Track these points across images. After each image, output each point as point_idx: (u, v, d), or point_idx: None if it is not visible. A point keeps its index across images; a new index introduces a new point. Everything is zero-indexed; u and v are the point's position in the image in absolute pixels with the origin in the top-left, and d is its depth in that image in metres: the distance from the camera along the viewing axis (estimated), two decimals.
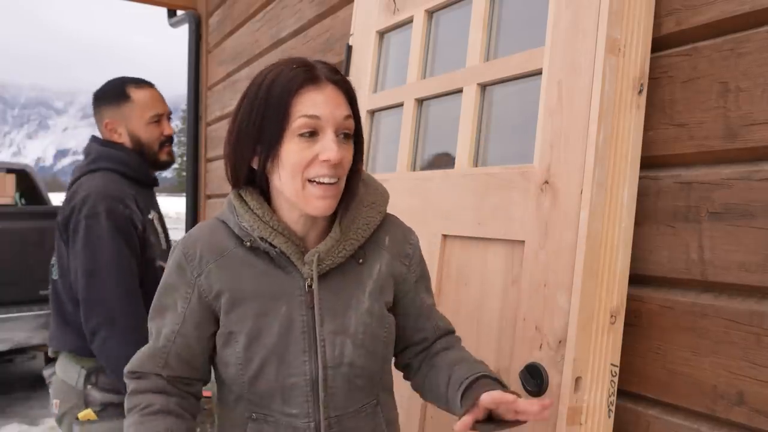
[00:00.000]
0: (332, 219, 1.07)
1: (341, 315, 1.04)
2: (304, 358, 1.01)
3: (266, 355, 1.00)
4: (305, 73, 0.97)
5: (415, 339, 1.16)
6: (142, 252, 1.72)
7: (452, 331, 1.19)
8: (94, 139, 1.83)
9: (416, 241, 1.17)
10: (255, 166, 1.01)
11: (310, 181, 0.98)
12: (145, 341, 1.41)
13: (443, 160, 1.59)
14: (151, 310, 1.08)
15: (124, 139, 1.80)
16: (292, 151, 0.97)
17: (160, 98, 1.86)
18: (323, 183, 0.98)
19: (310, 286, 1.02)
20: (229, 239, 1.04)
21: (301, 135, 0.97)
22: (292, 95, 0.96)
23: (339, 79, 1.00)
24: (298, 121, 0.96)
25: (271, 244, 1.01)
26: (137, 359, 1.08)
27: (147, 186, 1.85)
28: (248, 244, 1.02)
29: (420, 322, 1.15)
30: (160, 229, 1.82)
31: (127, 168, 1.78)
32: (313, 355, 1.01)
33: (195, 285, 1.03)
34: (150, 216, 1.79)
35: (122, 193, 1.70)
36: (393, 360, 1.20)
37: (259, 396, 1.02)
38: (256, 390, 1.02)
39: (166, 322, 1.05)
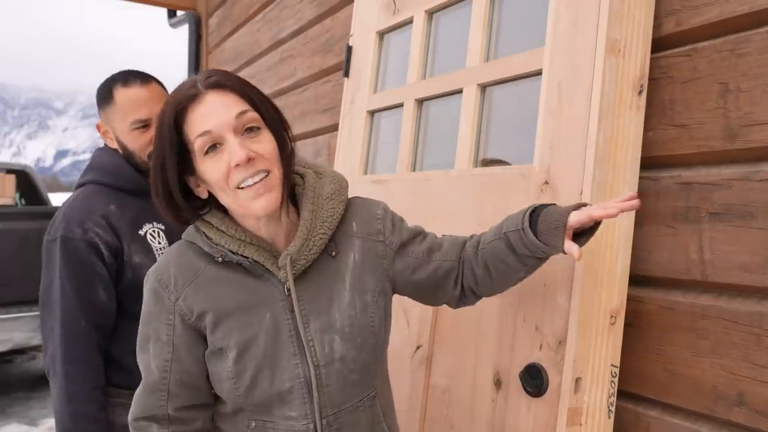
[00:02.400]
0: (296, 218, 1.07)
1: (325, 312, 1.04)
2: (296, 361, 1.01)
3: (258, 364, 1.01)
4: (185, 92, 0.98)
5: (448, 274, 1.12)
6: (121, 277, 1.54)
7: (463, 239, 1.15)
8: (100, 147, 1.67)
9: (383, 211, 1.14)
10: (204, 195, 1.04)
11: (238, 188, 0.98)
12: (81, 395, 1.44)
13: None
14: (137, 344, 1.07)
15: (116, 145, 1.61)
16: (207, 171, 0.99)
17: (150, 99, 1.56)
18: (250, 185, 0.97)
19: (289, 290, 1.03)
20: (200, 259, 1.04)
21: (206, 153, 0.98)
22: (179, 122, 0.98)
23: (215, 81, 0.99)
24: (196, 143, 0.98)
25: (243, 256, 1.02)
26: (138, 403, 1.06)
27: (147, 196, 1.70)
28: (220, 259, 1.03)
29: (440, 262, 1.12)
30: (159, 245, 1.60)
31: (115, 178, 1.59)
32: (303, 356, 1.02)
33: (175, 310, 1.03)
34: (142, 231, 1.57)
35: (88, 212, 1.52)
36: (446, 305, 1.19)
37: (256, 405, 1.03)
38: (252, 400, 1.02)
39: (154, 354, 1.04)
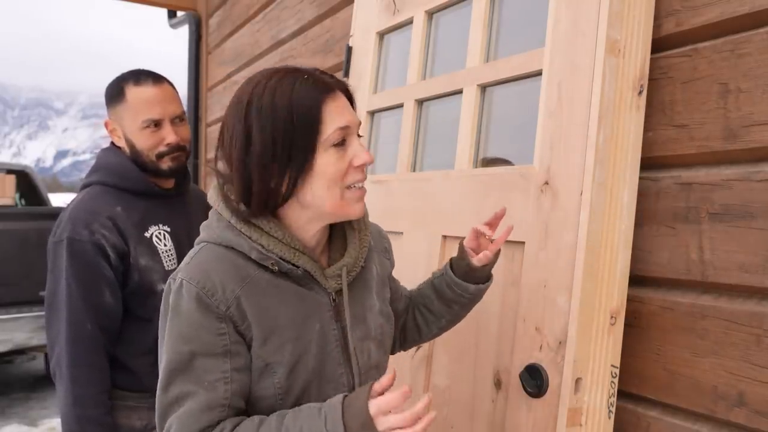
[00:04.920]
0: (330, 230, 1.07)
1: (362, 320, 1.06)
2: (341, 370, 1.02)
3: (308, 377, 0.98)
4: (321, 84, 0.95)
5: (401, 314, 1.25)
6: (127, 279, 1.53)
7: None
8: (105, 147, 1.65)
9: (386, 234, 1.23)
10: (283, 189, 0.96)
11: (347, 187, 0.98)
12: (88, 398, 1.41)
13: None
14: (169, 373, 0.93)
15: (123, 145, 1.59)
16: (329, 163, 0.95)
17: (163, 99, 1.56)
18: (359, 187, 0.99)
19: (334, 300, 1.02)
20: (247, 264, 0.97)
21: (335, 145, 0.95)
22: (320, 111, 0.94)
23: (344, 84, 1.00)
24: (333, 135, 0.94)
25: (294, 265, 0.98)
26: (189, 426, 0.91)
27: (152, 197, 1.60)
28: (276, 268, 0.96)
29: (402, 302, 1.24)
30: (165, 247, 1.58)
31: (120, 179, 1.57)
32: (348, 366, 1.02)
33: (226, 317, 0.93)
34: (148, 233, 1.56)
35: (95, 214, 1.50)
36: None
37: None
38: None
39: (206, 370, 0.92)
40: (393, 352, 1.28)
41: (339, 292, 1.03)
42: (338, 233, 1.07)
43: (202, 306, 0.93)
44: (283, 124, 0.92)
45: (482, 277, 1.16)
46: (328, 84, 0.96)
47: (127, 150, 1.59)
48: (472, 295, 1.16)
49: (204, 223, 1.03)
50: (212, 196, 1.02)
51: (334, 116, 0.94)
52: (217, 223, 0.99)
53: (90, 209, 1.51)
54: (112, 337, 1.54)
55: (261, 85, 0.95)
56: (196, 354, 0.92)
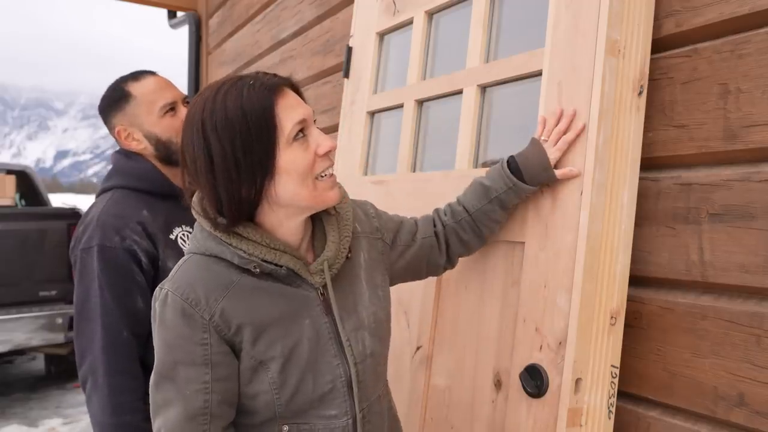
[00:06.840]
0: (312, 224, 1.08)
1: (353, 311, 1.07)
2: (336, 361, 1.03)
3: (302, 371, 1.00)
4: (268, 85, 0.96)
5: (431, 249, 1.24)
6: (156, 283, 1.47)
7: (430, 216, 1.29)
8: (116, 151, 1.62)
9: (373, 209, 1.22)
10: (255, 194, 0.99)
11: (317, 178, 0.99)
12: (125, 406, 1.39)
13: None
14: (157, 376, 0.98)
15: (144, 145, 1.57)
16: (295, 158, 0.97)
17: (167, 85, 1.59)
18: (329, 174, 1.01)
19: (322, 294, 1.04)
20: (230, 271, 0.99)
21: (296, 140, 0.97)
22: (273, 111, 0.95)
23: (289, 80, 1.01)
24: (293, 130, 0.96)
25: (277, 265, 1.00)
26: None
27: (172, 198, 1.56)
28: (257, 270, 0.99)
29: (422, 241, 1.23)
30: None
31: (142, 182, 1.56)
32: (342, 357, 1.04)
33: (209, 328, 0.96)
34: (173, 235, 1.55)
35: (124, 219, 1.48)
36: (431, 276, 1.33)
37: (294, 411, 1.01)
38: (291, 407, 1.01)
39: (187, 379, 0.96)
40: (438, 273, 1.32)
41: (326, 286, 1.04)
42: (320, 227, 1.09)
43: (186, 316, 0.96)
44: (241, 134, 0.94)
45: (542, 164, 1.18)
46: (275, 83, 0.97)
47: (151, 148, 1.57)
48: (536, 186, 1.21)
49: (191, 235, 1.07)
50: (195, 209, 1.04)
51: (288, 113, 0.96)
52: (201, 233, 1.03)
53: (118, 214, 1.49)
54: (142, 343, 1.51)
55: (210, 101, 0.96)
56: (179, 363, 0.97)
